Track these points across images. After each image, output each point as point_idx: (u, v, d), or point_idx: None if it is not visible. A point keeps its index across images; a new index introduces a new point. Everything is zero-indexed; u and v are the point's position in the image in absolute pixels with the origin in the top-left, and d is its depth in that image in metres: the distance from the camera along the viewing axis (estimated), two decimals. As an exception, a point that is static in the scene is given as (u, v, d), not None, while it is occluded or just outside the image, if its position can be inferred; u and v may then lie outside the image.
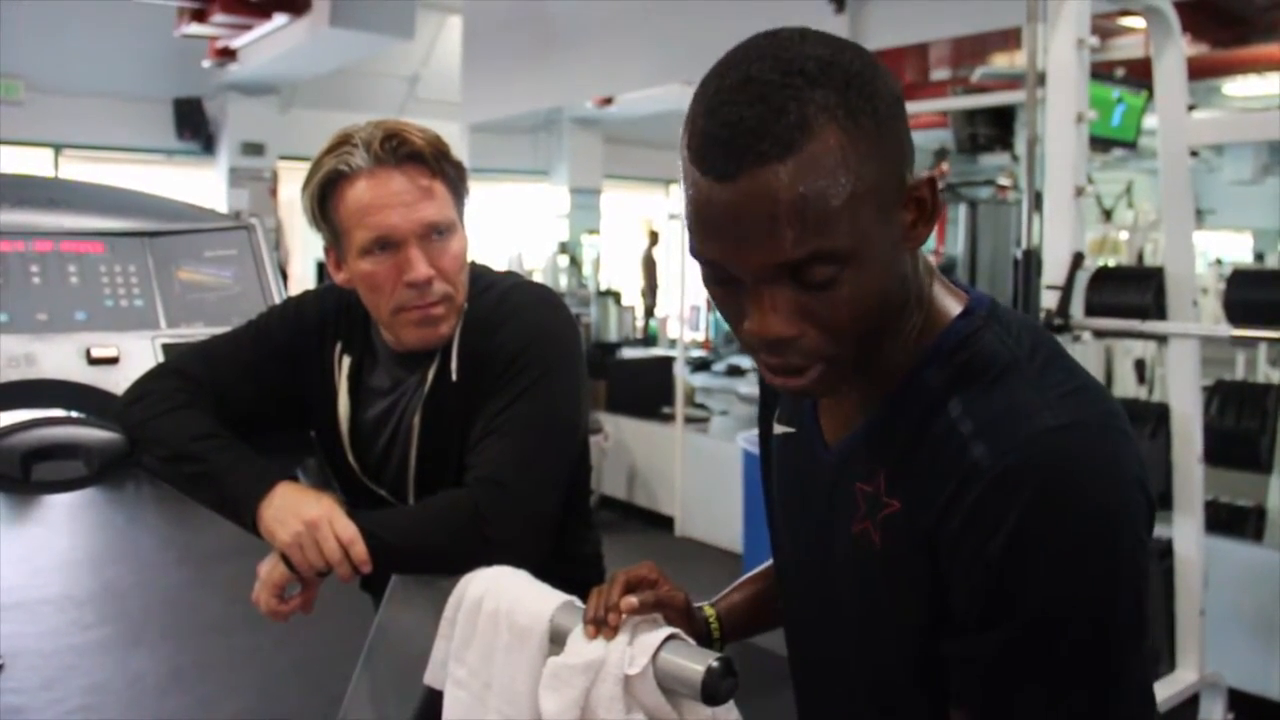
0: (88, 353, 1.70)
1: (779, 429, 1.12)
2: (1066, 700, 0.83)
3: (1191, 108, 3.38)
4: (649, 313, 11.61)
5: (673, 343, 8.12)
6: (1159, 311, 3.08)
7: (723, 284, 0.87)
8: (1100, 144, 4.60)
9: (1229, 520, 4.10)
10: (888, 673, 0.97)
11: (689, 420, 6.20)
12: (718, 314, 8.51)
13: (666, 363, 6.87)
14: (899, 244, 0.87)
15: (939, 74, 8.82)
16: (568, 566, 1.48)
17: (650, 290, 12.04)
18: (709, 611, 1.26)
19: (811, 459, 1.04)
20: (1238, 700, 3.45)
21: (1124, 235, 7.94)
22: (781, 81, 0.80)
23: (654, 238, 12.04)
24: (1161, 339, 3.33)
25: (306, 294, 1.68)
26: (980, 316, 0.93)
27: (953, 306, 0.95)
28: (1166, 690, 3.03)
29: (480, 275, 1.57)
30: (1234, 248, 14.39)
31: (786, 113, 0.79)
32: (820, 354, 0.87)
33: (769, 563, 1.34)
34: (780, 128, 0.79)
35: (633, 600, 1.09)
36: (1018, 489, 0.82)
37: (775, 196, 0.79)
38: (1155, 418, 3.11)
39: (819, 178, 0.80)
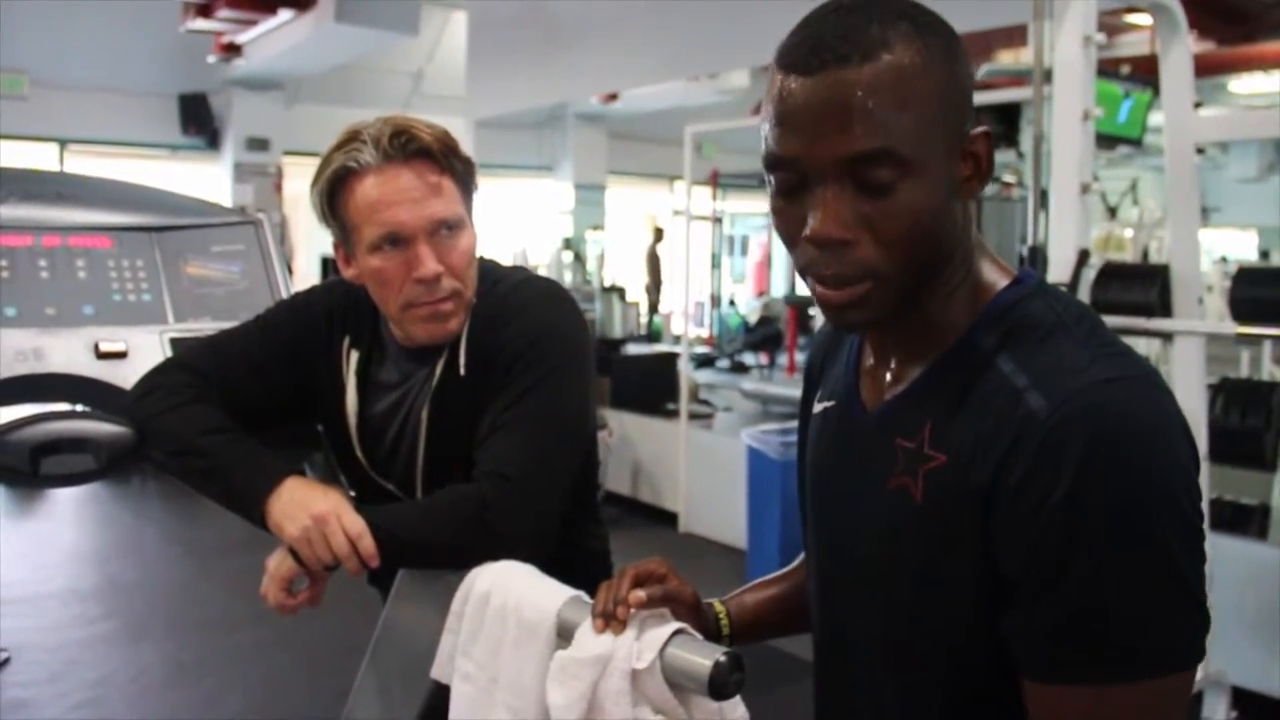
0: (96, 347, 1.71)
1: (819, 406, 1.14)
2: (1142, 639, 0.85)
3: (1198, 105, 3.37)
4: (654, 309, 11.62)
5: (677, 339, 8.12)
6: (1164, 309, 3.08)
7: (788, 195, 0.93)
8: (1106, 141, 4.61)
9: (1233, 518, 4.10)
10: (918, 648, 0.98)
11: (693, 416, 6.20)
12: (721, 310, 8.48)
13: (671, 359, 6.88)
14: (953, 188, 0.94)
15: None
16: (576, 562, 1.48)
17: (655, 286, 12.05)
18: (719, 608, 1.26)
19: (849, 423, 1.07)
20: (1241, 698, 3.46)
21: (1129, 233, 7.93)
22: (868, 11, 0.90)
23: (659, 234, 12.05)
24: (1166, 336, 3.33)
25: (315, 289, 1.69)
26: (1029, 287, 0.98)
27: (1001, 279, 1.00)
28: (1170, 687, 3.03)
29: (489, 270, 1.58)
30: (1239, 245, 14.38)
31: (869, 27, 0.89)
32: (871, 268, 0.91)
33: (784, 569, 1.34)
34: (862, 37, 0.89)
35: (641, 594, 1.09)
36: (1073, 438, 0.85)
37: (851, 92, 0.88)
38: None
39: (893, 86, 0.88)
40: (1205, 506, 3.03)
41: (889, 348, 1.03)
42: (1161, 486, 0.85)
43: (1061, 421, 0.86)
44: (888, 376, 1.03)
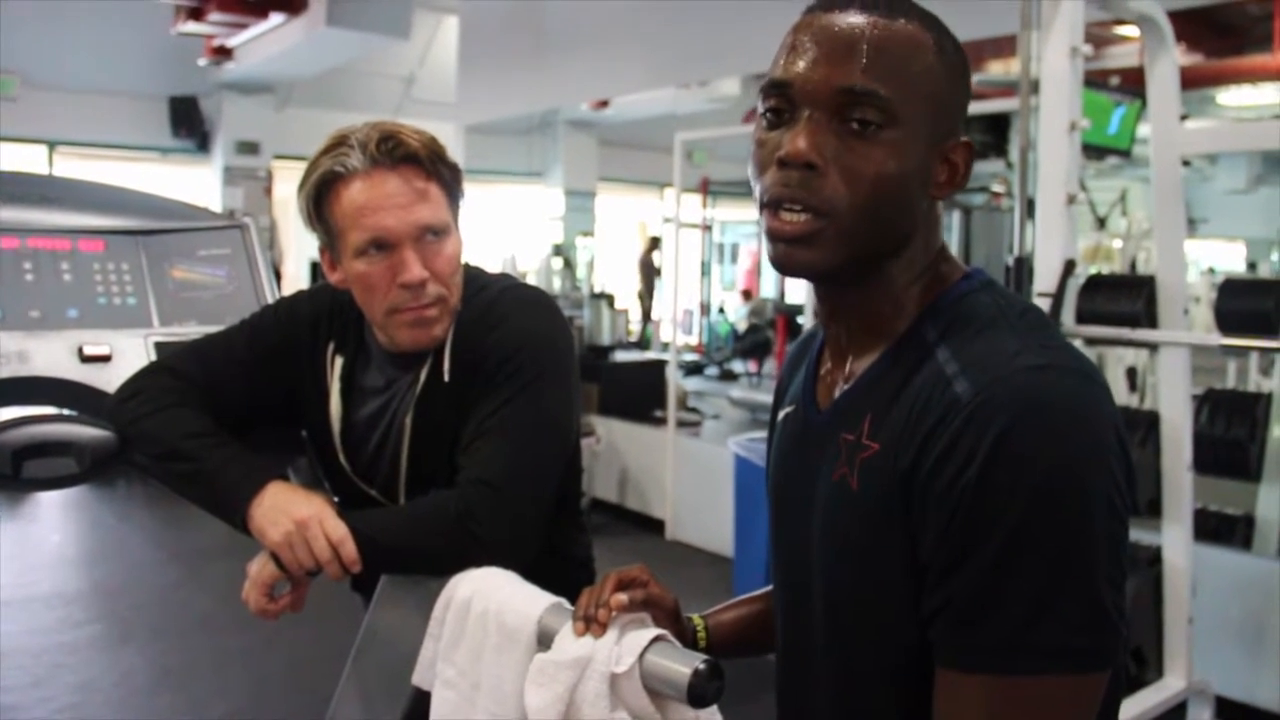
0: (80, 350, 1.70)
1: (782, 412, 1.16)
2: (1037, 632, 0.82)
3: (1184, 117, 3.38)
4: (645, 317, 11.62)
5: (665, 346, 8.13)
6: (1150, 320, 3.10)
7: (773, 123, 0.96)
8: (1094, 151, 4.62)
9: (1218, 528, 4.12)
10: (850, 640, 0.98)
11: (681, 424, 6.20)
12: (710, 318, 8.48)
13: (659, 366, 6.88)
14: (927, 180, 0.97)
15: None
16: (558, 569, 1.48)
17: (648, 294, 12.04)
18: (698, 622, 1.27)
19: (804, 424, 1.08)
20: (1225, 708, 3.47)
21: (1117, 243, 7.95)
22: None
23: (654, 242, 12.04)
24: (1152, 347, 3.34)
25: (300, 294, 1.69)
26: (978, 282, 1.01)
27: (954, 275, 1.02)
28: (1154, 697, 3.04)
29: (474, 277, 1.58)
30: (1227, 257, 14.44)
31: (898, 1, 0.96)
32: (829, 200, 0.93)
33: (761, 590, 1.34)
34: (891, 2, 0.95)
35: (623, 598, 1.10)
36: (993, 418, 0.85)
37: (865, 34, 0.93)
38: (1145, 425, 3.12)
39: (905, 45, 0.94)
40: (1190, 516, 3.04)
41: (845, 348, 1.04)
42: (1077, 477, 0.83)
43: (982, 404, 0.86)
44: (840, 377, 1.05)
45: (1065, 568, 0.83)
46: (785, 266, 0.97)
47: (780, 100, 0.95)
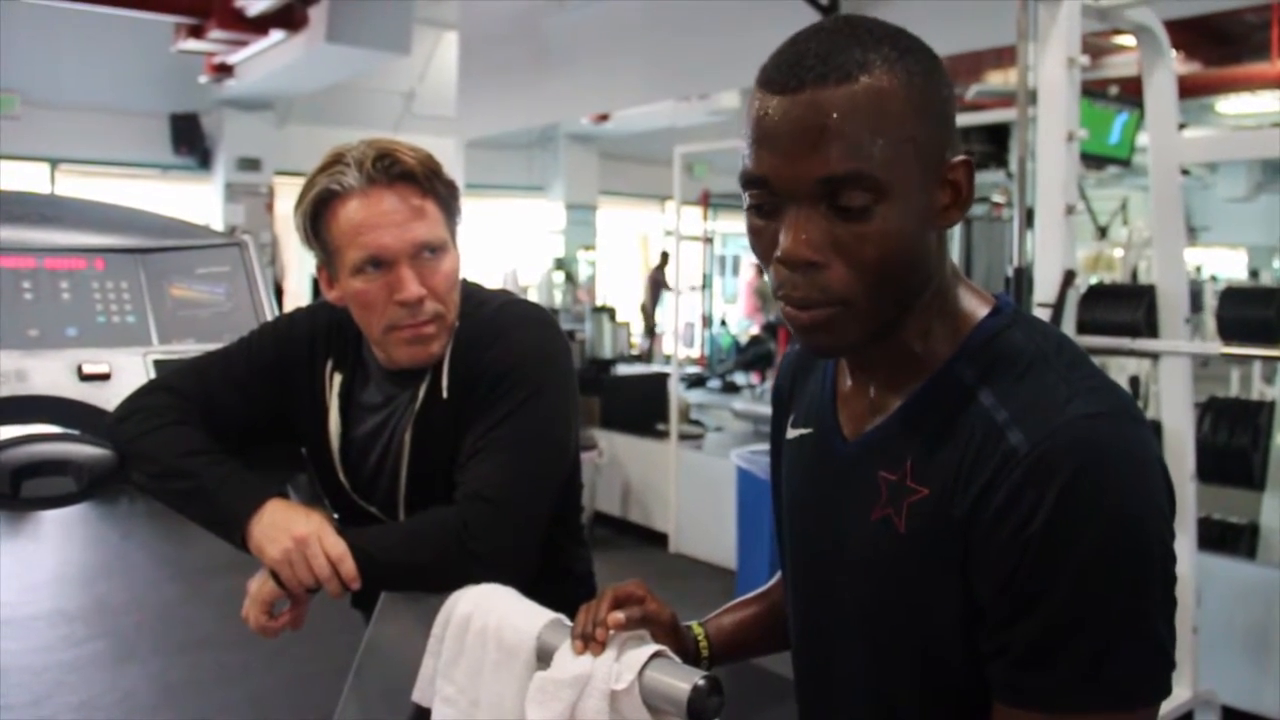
0: (79, 369, 1.71)
1: (794, 432, 1.14)
2: (1102, 673, 0.85)
3: (1182, 126, 3.39)
4: (650, 331, 11.61)
5: (667, 359, 8.13)
6: (1150, 329, 3.09)
7: (765, 215, 0.93)
8: (1094, 161, 4.63)
9: (1222, 537, 4.11)
10: (894, 678, 0.99)
11: (683, 437, 6.20)
12: (712, 330, 8.48)
13: (661, 379, 6.87)
14: (930, 216, 0.93)
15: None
16: (559, 585, 1.48)
17: (652, 309, 12.03)
18: (698, 630, 1.26)
19: (829, 454, 1.06)
20: (1231, 717, 3.45)
21: (1118, 252, 7.96)
22: (851, 33, 0.91)
23: (664, 258, 12.01)
24: (1154, 357, 3.34)
25: (298, 311, 1.69)
26: (1008, 316, 0.98)
27: (979, 307, 1.00)
28: (1160, 708, 3.02)
29: (472, 293, 1.58)
30: (1228, 264, 14.43)
31: (850, 50, 0.89)
32: (839, 293, 0.91)
33: (761, 588, 1.34)
34: (843, 59, 0.89)
35: (620, 616, 1.09)
36: (1054, 473, 0.85)
37: (829, 111, 0.88)
38: (1152, 429, 3.12)
39: (870, 109, 0.88)
40: (1194, 525, 3.03)
41: (867, 375, 1.03)
42: (1137, 525, 0.86)
43: (1042, 457, 0.86)
44: (867, 405, 1.03)
45: (1128, 613, 0.86)
46: (811, 351, 0.98)
47: (762, 194, 0.92)
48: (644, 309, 12.02)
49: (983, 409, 0.92)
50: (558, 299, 10.48)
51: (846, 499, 1.02)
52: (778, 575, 1.27)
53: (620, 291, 12.51)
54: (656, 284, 12.01)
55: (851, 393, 1.06)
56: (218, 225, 9.61)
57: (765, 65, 0.93)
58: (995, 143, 7.88)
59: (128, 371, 1.72)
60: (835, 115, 0.87)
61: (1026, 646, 0.87)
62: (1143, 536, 0.86)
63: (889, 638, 0.99)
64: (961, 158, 0.94)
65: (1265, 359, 4.94)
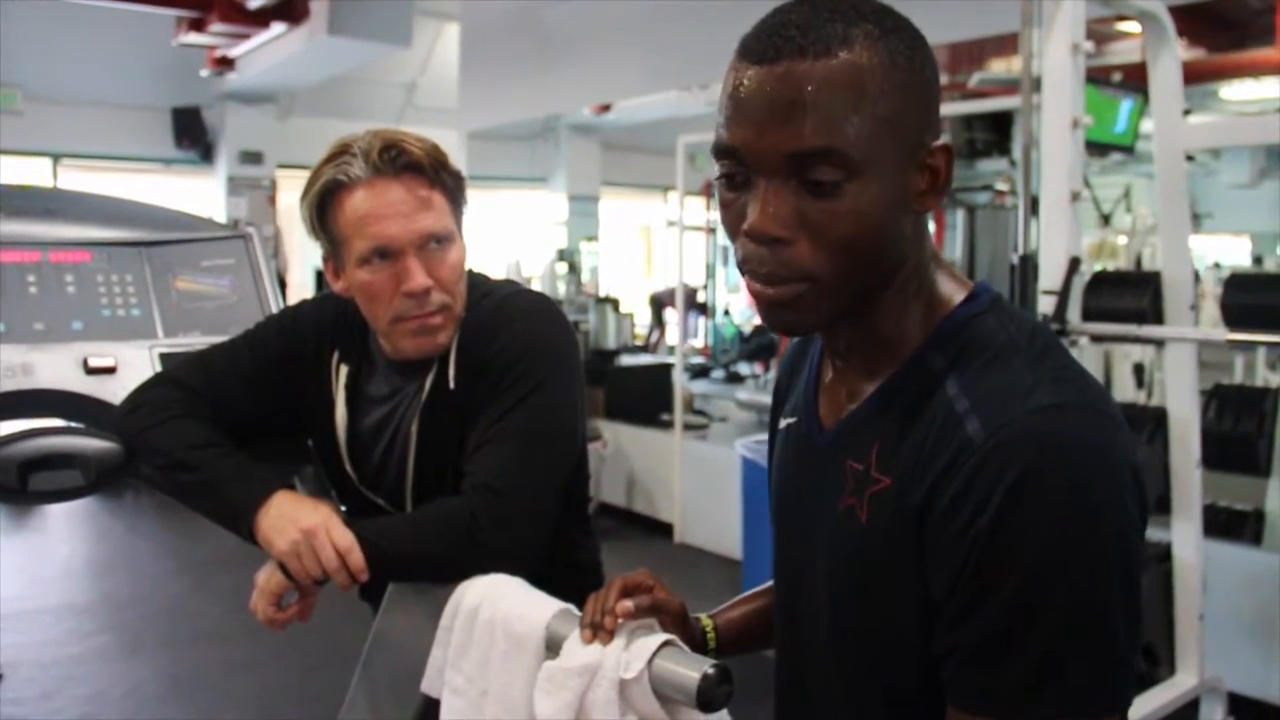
0: (85, 362, 1.70)
1: (784, 422, 1.13)
2: (1054, 678, 0.82)
3: (1187, 112, 3.38)
4: (658, 323, 11.58)
5: (671, 349, 8.12)
6: (1156, 316, 3.09)
7: (735, 186, 0.91)
8: (1098, 148, 4.62)
9: (1227, 524, 4.10)
10: (866, 670, 0.97)
11: (688, 427, 6.20)
12: (715, 320, 8.47)
13: (665, 369, 6.87)
14: (906, 199, 0.91)
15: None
16: (567, 574, 1.48)
17: (658, 323, 11.97)
18: (706, 622, 1.26)
19: (808, 442, 1.05)
20: (1238, 704, 3.45)
21: (1122, 239, 7.94)
22: (833, 5, 0.89)
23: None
24: (1159, 343, 3.33)
25: (304, 303, 1.69)
26: (983, 303, 0.96)
27: (957, 293, 0.97)
28: (1166, 695, 3.03)
29: (478, 284, 1.58)
30: (1232, 251, 14.40)
31: (832, 24, 0.87)
32: (806, 270, 0.89)
33: (768, 584, 1.34)
34: (824, 32, 0.86)
35: (628, 605, 1.09)
36: (1008, 464, 0.82)
37: (804, 85, 0.85)
38: (1153, 422, 3.12)
39: (846, 85, 0.86)
40: (1200, 512, 3.03)
41: (845, 361, 1.01)
42: (1093, 523, 0.82)
43: (996, 447, 0.83)
44: (845, 394, 1.01)
45: (1081, 615, 0.82)
46: (774, 327, 0.95)
47: (733, 165, 0.90)
48: (650, 302, 11.98)
49: (946, 398, 0.90)
50: (561, 290, 10.46)
51: (820, 487, 1.00)
52: None
53: (624, 282, 12.49)
54: (658, 302, 11.98)
55: (832, 381, 1.04)
56: (220, 218, 9.60)
57: (746, 34, 0.90)
58: (999, 130, 7.87)
59: (133, 365, 1.72)
60: (810, 89, 0.85)
61: (975, 647, 0.84)
62: (1099, 535, 0.82)
63: (855, 632, 0.97)
64: (942, 143, 0.92)
65: (1270, 345, 4.93)
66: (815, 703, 1.05)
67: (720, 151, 0.91)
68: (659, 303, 11.53)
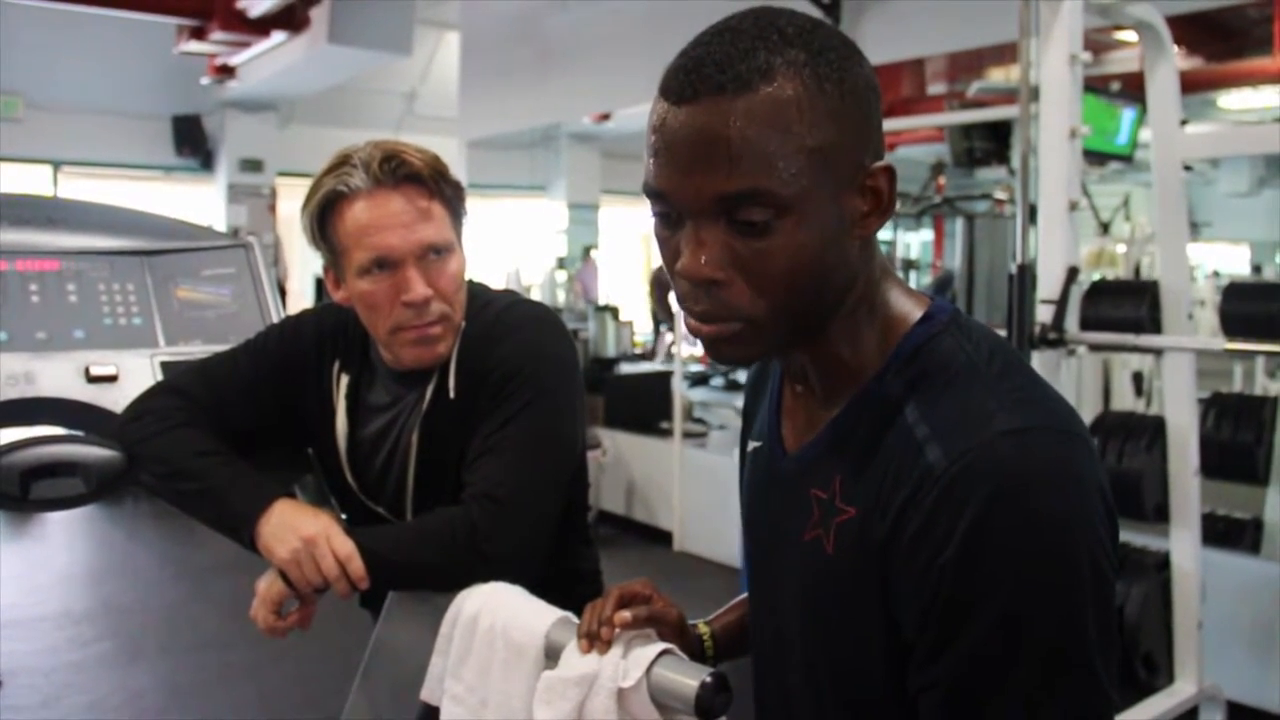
0: (86, 371, 1.71)
1: (751, 445, 1.12)
2: (1037, 709, 0.80)
3: (1184, 122, 3.39)
4: (658, 330, 11.57)
5: (670, 357, 8.13)
6: (1154, 325, 3.09)
7: (669, 225, 0.89)
8: (1096, 157, 4.63)
9: (1226, 532, 4.11)
10: (832, 695, 0.95)
11: (687, 435, 6.20)
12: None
13: (665, 377, 6.87)
14: (847, 226, 0.88)
15: (935, 88, 8.85)
16: (566, 583, 1.49)
17: (663, 309, 11.97)
18: (704, 629, 1.26)
19: (772, 467, 1.04)
20: (1236, 712, 3.45)
21: (1121, 248, 7.96)
22: (755, 32, 0.85)
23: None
24: (1157, 352, 3.34)
25: (305, 313, 1.69)
26: (940, 322, 0.93)
27: (913, 311, 0.94)
28: (1165, 703, 3.03)
29: (478, 294, 1.58)
30: (1231, 260, 14.42)
31: (753, 56, 0.83)
32: (741, 310, 0.87)
33: None
34: (743, 66, 0.83)
35: (626, 615, 1.09)
36: (970, 493, 0.80)
37: (724, 125, 0.82)
38: (1152, 430, 3.12)
39: (769, 120, 0.82)
40: (1198, 520, 3.03)
41: (805, 386, 0.99)
42: (1060, 553, 0.80)
43: (958, 477, 0.81)
44: (806, 419, 0.99)
45: (1056, 648, 0.80)
46: (717, 360, 0.93)
47: (663, 205, 0.88)
48: (653, 311, 11.97)
49: (905, 425, 0.87)
50: (561, 298, 10.47)
51: (785, 516, 0.98)
52: None
53: (623, 290, 12.49)
54: (662, 285, 11.97)
55: (793, 404, 1.02)
56: (220, 227, 9.62)
57: (667, 69, 0.87)
58: (997, 139, 7.88)
59: (135, 373, 1.73)
60: (731, 128, 0.82)
61: (950, 686, 0.82)
62: (1069, 563, 0.80)
63: (824, 658, 0.95)
64: (883, 164, 0.88)
65: (1269, 354, 4.94)
66: (779, 713, 1.05)
67: (648, 193, 0.89)
68: (663, 286, 11.49)
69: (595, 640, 1.09)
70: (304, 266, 10.65)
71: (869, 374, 0.93)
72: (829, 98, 0.84)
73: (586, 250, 11.90)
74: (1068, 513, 0.81)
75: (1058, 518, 0.80)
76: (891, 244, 10.17)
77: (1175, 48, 3.17)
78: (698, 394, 7.31)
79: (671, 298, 11.19)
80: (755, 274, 0.86)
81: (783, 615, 1.01)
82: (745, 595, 1.34)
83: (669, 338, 9.40)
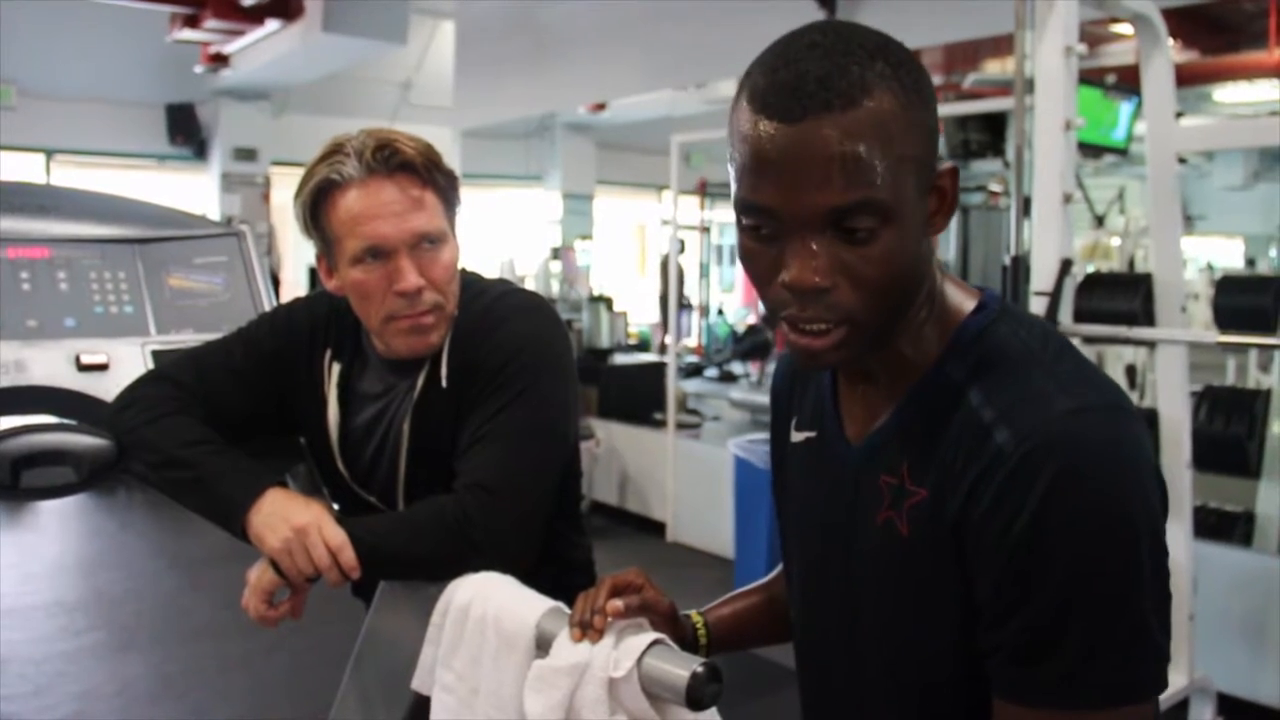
0: (77, 359, 1.71)
1: (798, 436, 1.14)
2: (1096, 668, 0.86)
3: (1179, 114, 3.39)
4: (665, 323, 11.56)
5: (664, 348, 8.13)
6: (1147, 317, 3.10)
7: (763, 239, 0.91)
8: (1091, 150, 4.63)
9: (1218, 525, 4.12)
10: (906, 675, 1.00)
11: (681, 426, 6.20)
12: (709, 319, 8.47)
13: (658, 368, 6.87)
14: (925, 227, 0.94)
15: (931, 80, 8.81)
16: (559, 573, 1.49)
17: (673, 295, 11.95)
18: (697, 619, 1.27)
19: (834, 458, 1.07)
20: (1227, 704, 3.47)
21: (1116, 241, 7.96)
22: (845, 49, 0.88)
23: (682, 245, 11.92)
24: (1150, 345, 3.34)
25: (297, 301, 1.69)
26: (994, 311, 0.99)
27: (966, 302, 1.00)
28: (1156, 695, 3.04)
29: (471, 283, 1.58)
30: (1226, 253, 14.43)
31: (850, 72, 0.87)
32: (847, 313, 0.91)
33: (762, 580, 1.34)
34: (844, 83, 0.86)
35: (618, 604, 1.10)
36: (1039, 471, 0.86)
37: (834, 142, 0.86)
38: (1144, 423, 3.12)
39: (874, 133, 0.87)
40: (1190, 513, 3.04)
41: (866, 379, 1.03)
42: (1125, 521, 0.86)
43: (1028, 454, 0.87)
44: (867, 409, 1.04)
45: (1118, 607, 0.86)
46: (815, 368, 0.99)
47: (762, 220, 0.90)
48: (662, 299, 11.95)
49: (971, 408, 0.93)
50: (555, 288, 10.46)
51: (853, 503, 1.03)
52: (778, 568, 1.28)
53: (619, 280, 12.48)
54: (673, 270, 11.96)
55: (852, 396, 1.07)
56: (214, 215, 9.60)
57: (758, 84, 0.89)
58: (992, 131, 7.87)
59: (126, 362, 1.73)
60: (842, 143, 0.86)
61: (1019, 643, 0.89)
62: (1131, 532, 0.86)
63: (898, 634, 1.00)
64: (948, 165, 0.95)
65: (1261, 347, 4.94)
66: (845, 701, 1.08)
67: (748, 209, 0.91)
68: (679, 268, 11.45)
69: (587, 629, 1.10)
70: (297, 256, 10.61)
71: (928, 363, 0.99)
72: (914, 108, 0.90)
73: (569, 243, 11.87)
74: (1127, 484, 0.87)
75: (1118, 488, 0.87)
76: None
77: (1170, 41, 3.17)
78: (692, 385, 7.32)
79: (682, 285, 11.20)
80: (859, 278, 0.90)
81: (848, 601, 1.05)
82: (739, 590, 1.35)
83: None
